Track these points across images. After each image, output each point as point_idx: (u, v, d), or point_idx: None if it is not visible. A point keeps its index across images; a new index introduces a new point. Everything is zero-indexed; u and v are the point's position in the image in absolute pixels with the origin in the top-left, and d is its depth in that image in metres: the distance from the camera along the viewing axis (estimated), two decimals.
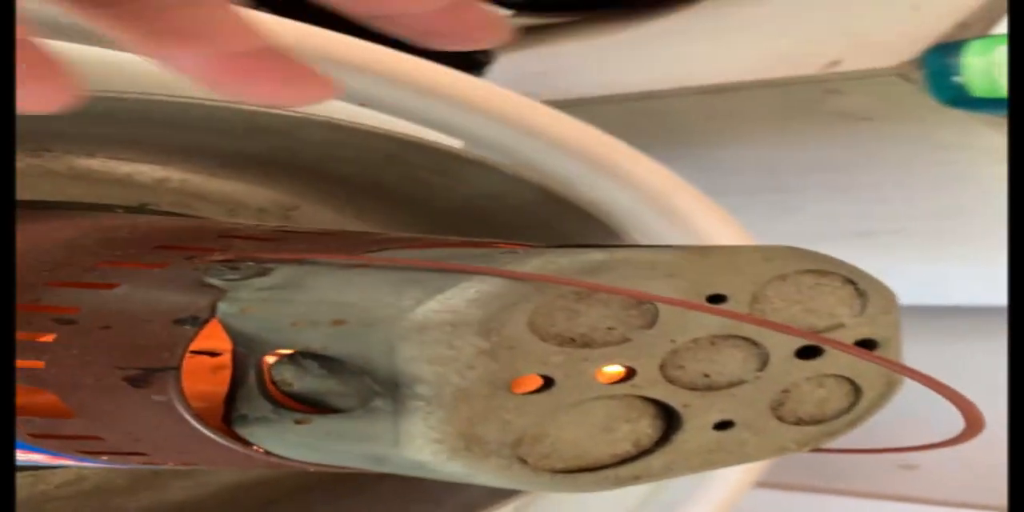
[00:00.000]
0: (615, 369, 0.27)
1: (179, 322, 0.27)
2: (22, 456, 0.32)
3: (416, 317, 0.25)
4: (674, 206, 0.54)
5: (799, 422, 0.30)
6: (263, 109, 0.37)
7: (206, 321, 0.27)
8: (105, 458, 0.31)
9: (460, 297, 0.25)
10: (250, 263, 0.28)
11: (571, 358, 0.26)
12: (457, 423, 0.25)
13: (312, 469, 0.28)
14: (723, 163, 0.86)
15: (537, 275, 0.25)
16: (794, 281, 0.29)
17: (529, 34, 0.91)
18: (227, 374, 0.28)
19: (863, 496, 0.84)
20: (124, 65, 0.36)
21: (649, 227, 0.55)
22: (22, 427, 0.30)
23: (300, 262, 0.28)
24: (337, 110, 0.42)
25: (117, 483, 0.46)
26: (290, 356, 0.27)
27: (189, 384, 0.28)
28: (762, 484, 0.58)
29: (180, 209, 0.46)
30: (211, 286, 0.28)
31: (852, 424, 0.31)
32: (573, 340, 0.26)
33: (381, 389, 0.25)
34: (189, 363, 0.29)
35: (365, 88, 0.45)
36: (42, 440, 0.30)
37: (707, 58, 0.81)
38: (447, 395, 0.24)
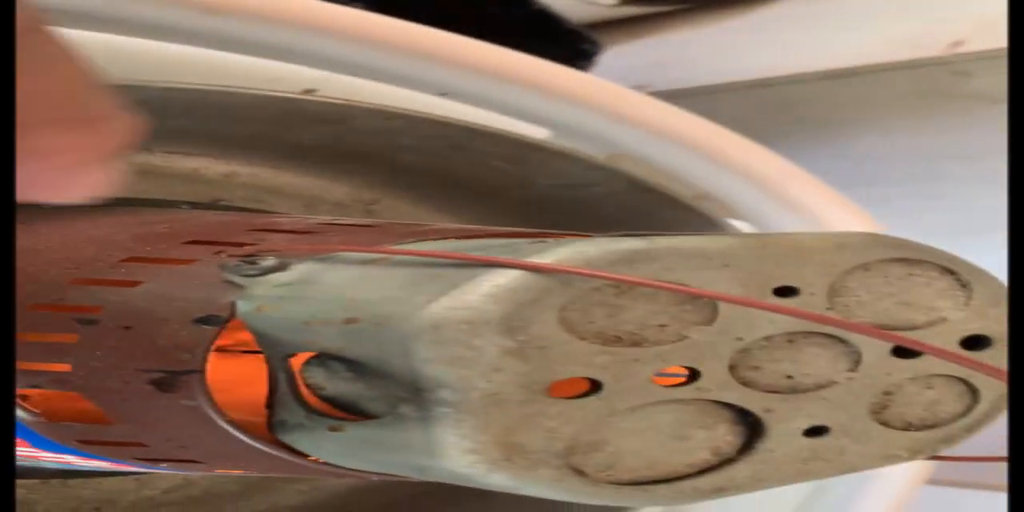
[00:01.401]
0: (677, 371, 0.24)
1: (199, 321, 0.26)
2: (85, 462, 0.31)
3: (428, 314, 0.22)
4: (791, 195, 0.51)
5: (909, 427, 0.27)
6: (303, 96, 0.36)
7: (226, 320, 0.25)
8: (164, 465, 0.29)
9: (475, 292, 0.22)
10: (269, 258, 0.26)
11: (619, 358, 0.23)
12: (492, 431, 0.22)
13: (375, 478, 0.26)
14: (859, 152, 0.82)
15: (560, 267, 0.23)
16: (881, 271, 0.26)
17: (639, 24, 0.89)
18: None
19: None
20: (168, 56, 0.34)
21: (765, 217, 0.52)
22: (69, 433, 0.29)
23: (317, 255, 0.26)
24: (400, 100, 0.41)
25: (228, 488, 0.46)
26: (318, 358, 0.25)
27: (238, 390, 0.26)
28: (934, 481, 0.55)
29: (253, 204, 0.44)
30: (231, 283, 0.26)
31: (971, 429, 0.28)
32: (620, 338, 0.23)
33: (406, 394, 0.23)
34: (234, 368, 0.27)
35: (445, 78, 0.44)
36: (90, 446, 0.29)
37: (825, 42, 0.78)
38: (475, 400, 0.22)
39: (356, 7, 0.63)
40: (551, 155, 0.43)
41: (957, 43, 0.70)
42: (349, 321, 0.23)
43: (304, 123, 0.40)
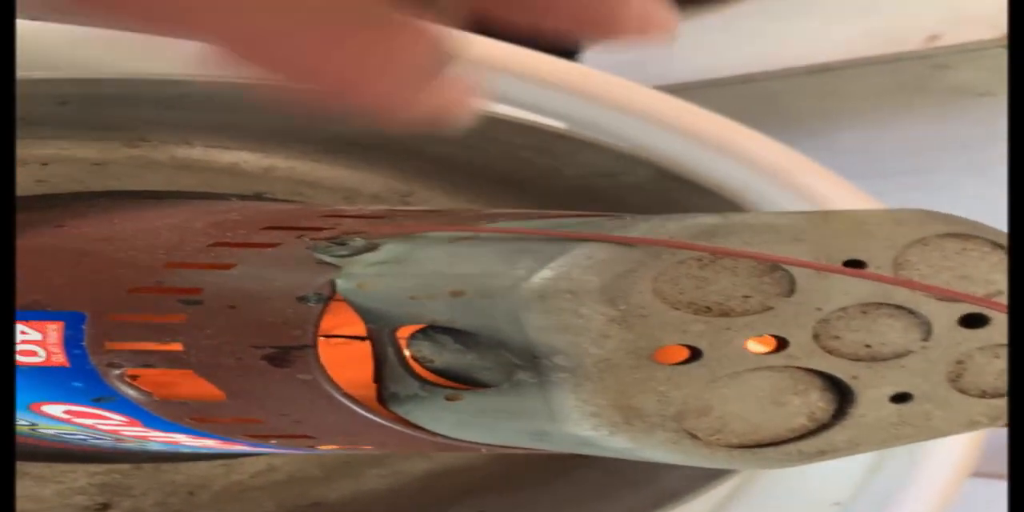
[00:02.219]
0: (765, 339, 0.26)
1: (302, 299, 0.27)
2: (195, 441, 0.32)
3: (533, 285, 0.24)
4: (799, 182, 0.53)
5: (984, 395, 0.28)
6: None
7: (329, 297, 0.27)
8: (274, 441, 0.30)
9: (572, 264, 0.24)
10: (357, 238, 0.28)
11: (712, 327, 0.25)
12: (609, 395, 0.23)
13: (484, 450, 0.27)
14: (843, 146, 0.84)
15: (648, 239, 0.24)
16: (937, 246, 0.27)
17: None
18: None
19: None
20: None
21: (776, 205, 0.53)
22: (182, 411, 0.30)
23: (405, 236, 0.27)
24: None
25: (311, 472, 0.46)
26: (423, 331, 0.26)
27: (343, 368, 0.27)
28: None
29: (295, 197, 0.45)
30: (324, 263, 0.27)
31: None
32: (709, 309, 0.25)
33: (521, 362, 0.24)
34: (337, 349, 0.28)
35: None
36: (204, 423, 0.30)
37: (803, 38, 0.80)
38: (590, 366, 0.23)
39: None
40: (577, 145, 0.44)
41: (934, 37, 0.71)
42: (456, 294, 0.25)
43: (341, 116, 0.41)
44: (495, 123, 0.43)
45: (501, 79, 0.47)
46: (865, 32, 0.76)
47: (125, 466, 0.41)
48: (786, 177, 0.50)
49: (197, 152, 0.43)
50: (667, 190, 0.46)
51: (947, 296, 0.26)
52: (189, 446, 0.32)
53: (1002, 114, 0.75)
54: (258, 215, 0.33)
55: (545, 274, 0.24)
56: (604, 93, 0.49)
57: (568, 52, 0.81)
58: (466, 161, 0.46)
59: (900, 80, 0.76)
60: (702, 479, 0.46)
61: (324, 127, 0.43)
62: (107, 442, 0.34)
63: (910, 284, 0.26)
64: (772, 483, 0.49)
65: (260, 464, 0.44)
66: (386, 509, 0.47)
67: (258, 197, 0.43)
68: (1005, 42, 0.67)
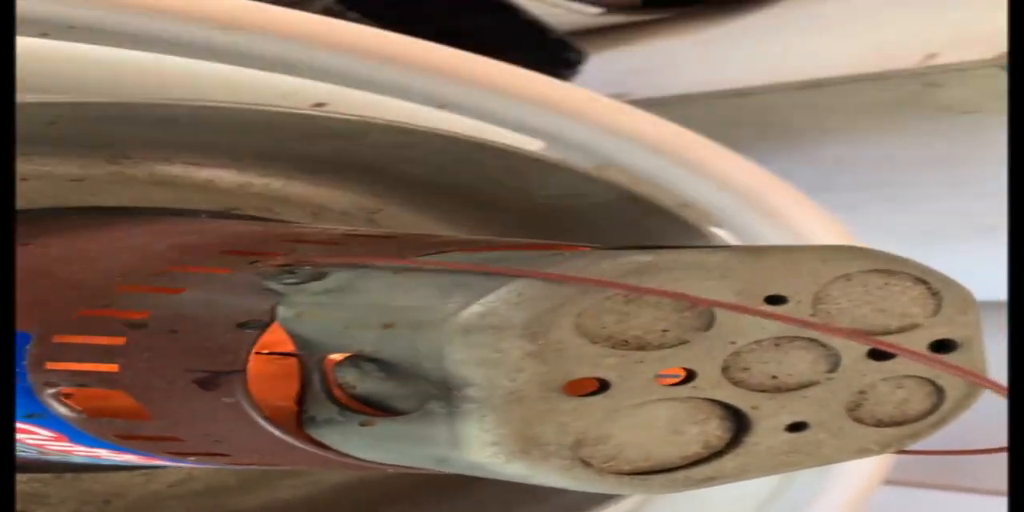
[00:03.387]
0: (674, 370, 0.27)
1: (242, 326, 0.28)
2: (116, 456, 0.33)
3: (460, 320, 0.25)
4: (769, 204, 0.54)
5: (879, 424, 0.29)
6: (321, 113, 0.38)
7: (267, 325, 0.28)
8: (192, 458, 0.31)
9: (503, 300, 0.25)
10: (307, 267, 0.29)
11: (625, 360, 0.26)
12: (512, 425, 0.25)
13: (391, 470, 0.29)
14: (829, 159, 0.85)
15: (578, 278, 0.25)
16: (861, 281, 0.29)
17: (621, 32, 0.91)
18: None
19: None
20: (194, 73, 0.37)
21: (745, 226, 0.54)
22: (107, 428, 0.31)
23: (352, 266, 0.28)
24: (404, 113, 0.43)
25: (227, 483, 0.48)
26: (350, 358, 0.27)
27: (267, 387, 0.29)
28: (892, 482, 0.57)
29: (265, 213, 0.46)
30: (271, 290, 0.28)
31: (936, 426, 0.30)
32: (627, 342, 0.26)
33: (435, 391, 0.25)
34: (265, 367, 0.29)
35: (445, 91, 0.46)
36: (127, 441, 0.31)
37: (802, 53, 0.80)
38: (498, 397, 0.25)
39: (350, 18, 0.65)
40: (547, 167, 0.45)
41: (931, 55, 0.72)
42: (386, 326, 0.26)
43: (318, 137, 0.42)
44: (470, 146, 0.44)
45: (483, 95, 0.47)
46: (863, 49, 0.76)
47: (47, 475, 0.42)
48: (756, 197, 0.51)
49: (176, 169, 0.44)
50: (627, 211, 0.47)
51: (853, 339, 0.27)
52: (110, 460, 0.33)
53: (985, 132, 0.75)
54: (219, 238, 0.34)
55: (474, 309, 0.25)
56: (582, 111, 0.49)
57: (570, 63, 0.82)
58: (437, 181, 0.47)
59: (892, 97, 0.76)
60: (602, 497, 0.47)
61: (302, 146, 0.44)
62: (30, 454, 0.35)
63: (820, 328, 0.27)
64: (675, 500, 0.50)
65: (180, 474, 0.45)
66: None
67: (229, 212, 0.44)
68: (1000, 62, 0.67)
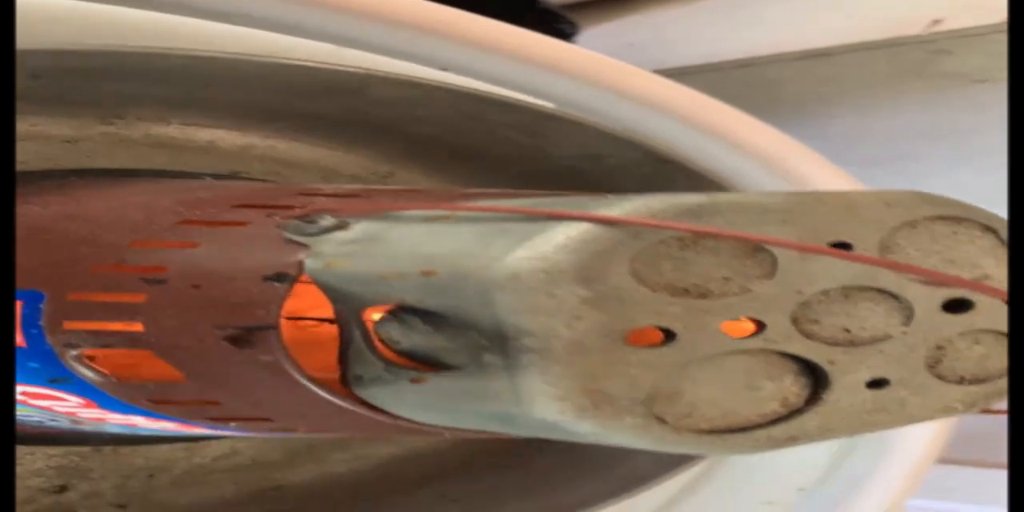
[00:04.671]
0: (742, 322, 0.25)
1: (268, 279, 0.26)
2: (153, 424, 0.31)
3: (507, 265, 0.23)
4: (791, 168, 0.52)
5: (962, 381, 0.27)
6: (323, 65, 0.36)
7: (295, 278, 0.26)
8: (233, 424, 0.29)
9: (548, 244, 0.23)
10: (328, 216, 0.27)
11: (689, 309, 0.24)
12: (577, 378, 0.23)
13: (448, 435, 0.27)
14: (839, 132, 0.83)
15: (629, 219, 0.23)
16: (926, 229, 0.27)
17: (615, 4, 0.89)
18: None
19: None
20: (175, 24, 0.34)
21: (766, 189, 0.52)
22: (140, 392, 0.29)
23: (380, 215, 0.26)
24: (407, 70, 0.41)
25: (273, 456, 0.46)
26: (392, 312, 0.25)
27: (306, 356, 0.27)
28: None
29: (271, 177, 0.45)
30: (293, 241, 0.27)
31: None
32: (687, 291, 0.24)
33: (489, 343, 0.23)
34: (301, 334, 0.27)
35: (448, 53, 0.44)
36: (162, 406, 0.29)
37: (803, 22, 0.79)
38: (559, 348, 0.23)
39: None
40: (566, 125, 0.43)
41: (937, 21, 0.71)
42: (426, 273, 0.24)
43: (320, 92, 0.40)
44: (480, 102, 0.42)
45: (489, 58, 0.46)
46: (867, 16, 0.75)
47: (84, 449, 0.41)
48: (779, 163, 0.50)
49: (173, 130, 0.42)
50: (654, 173, 0.45)
51: (934, 280, 0.26)
52: (147, 428, 0.31)
53: (995, 102, 0.74)
54: (229, 193, 0.32)
55: (519, 254, 0.23)
56: (594, 73, 0.48)
57: (563, 34, 0.80)
58: (449, 141, 0.45)
59: (898, 66, 0.75)
60: (669, 464, 0.45)
61: (304, 104, 0.42)
62: (64, 424, 0.33)
63: (896, 266, 0.25)
64: (738, 468, 0.49)
65: (223, 447, 0.44)
66: (348, 493, 0.46)
67: (233, 176, 0.42)
68: (1005, 27, 0.66)
